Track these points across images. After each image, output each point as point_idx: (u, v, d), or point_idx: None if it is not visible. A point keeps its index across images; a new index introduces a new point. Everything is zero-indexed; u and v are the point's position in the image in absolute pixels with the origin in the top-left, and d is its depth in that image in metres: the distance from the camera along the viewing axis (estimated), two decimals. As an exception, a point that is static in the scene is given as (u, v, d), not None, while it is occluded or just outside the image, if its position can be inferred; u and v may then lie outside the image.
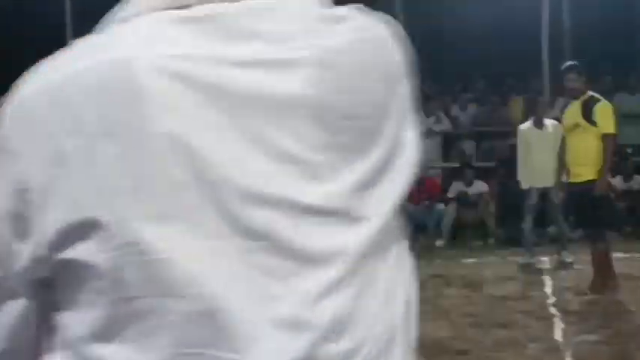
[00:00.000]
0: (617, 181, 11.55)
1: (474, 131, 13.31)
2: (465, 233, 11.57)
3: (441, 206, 11.78)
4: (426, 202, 11.83)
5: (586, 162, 7.24)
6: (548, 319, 6.39)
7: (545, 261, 9.22)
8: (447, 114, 13.32)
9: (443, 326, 6.25)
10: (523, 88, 12.64)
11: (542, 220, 9.57)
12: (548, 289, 7.66)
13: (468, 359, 5.31)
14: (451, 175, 12.67)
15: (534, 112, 8.95)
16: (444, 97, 13.81)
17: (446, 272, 8.76)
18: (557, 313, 6.53)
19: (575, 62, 8.02)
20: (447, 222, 11.50)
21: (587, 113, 7.36)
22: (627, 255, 9.22)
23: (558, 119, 8.63)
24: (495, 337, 5.83)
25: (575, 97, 7.59)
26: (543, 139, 7.69)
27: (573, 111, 7.52)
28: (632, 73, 13.03)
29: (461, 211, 11.58)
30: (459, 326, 6.26)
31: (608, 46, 14.47)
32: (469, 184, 11.72)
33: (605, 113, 7.39)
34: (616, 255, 8.28)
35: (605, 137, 7.27)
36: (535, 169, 8.78)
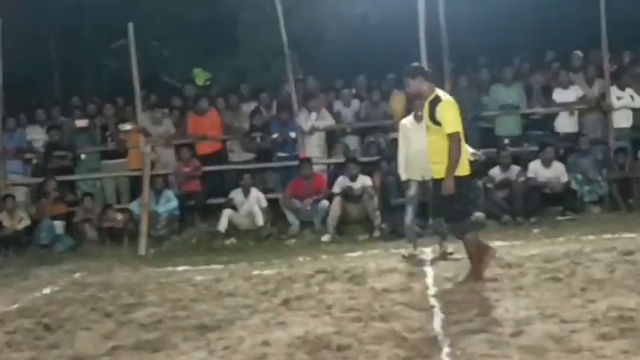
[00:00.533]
0: (496, 172, 11.89)
1: (357, 127, 13.44)
2: (351, 228, 11.67)
3: (325, 203, 11.86)
4: (312, 199, 11.93)
5: (439, 160, 7.29)
6: (428, 310, 6.47)
7: (427, 252, 9.39)
8: (330, 110, 13.39)
9: (326, 322, 6.27)
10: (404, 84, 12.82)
11: (424, 212, 9.75)
12: (429, 280, 7.76)
13: (349, 354, 5.29)
14: (336, 171, 12.79)
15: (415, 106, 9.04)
16: (327, 94, 13.88)
17: (331, 267, 8.79)
18: (437, 304, 6.63)
19: (416, 64, 8.01)
20: (333, 217, 11.59)
21: (432, 114, 7.31)
22: (506, 243, 9.49)
23: None
24: (376, 330, 5.86)
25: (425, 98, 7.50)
26: (423, 133, 7.78)
27: (424, 112, 7.52)
28: (508, 66, 13.40)
29: (346, 206, 11.68)
30: (340, 321, 6.26)
31: (484, 40, 14.88)
32: (354, 178, 11.83)
33: (445, 112, 7.23)
34: (496, 243, 8.51)
35: (449, 137, 7.18)
36: (414, 163, 8.94)
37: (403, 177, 9.27)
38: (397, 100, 12.92)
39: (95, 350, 6.02)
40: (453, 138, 7.16)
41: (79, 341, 6.37)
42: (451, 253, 8.92)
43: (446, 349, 5.26)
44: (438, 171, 7.33)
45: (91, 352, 5.99)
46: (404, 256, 9.22)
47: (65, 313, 7.58)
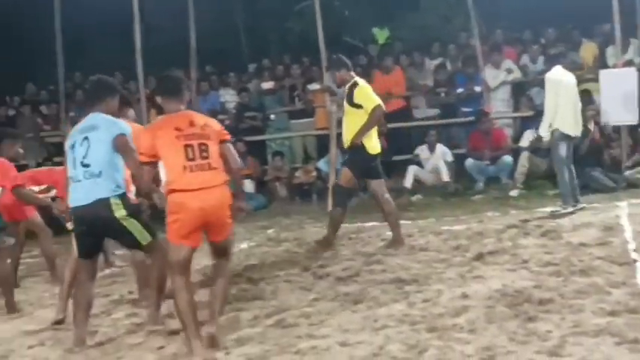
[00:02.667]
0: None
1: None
2: (540, 183, 11.42)
3: (509, 158, 11.75)
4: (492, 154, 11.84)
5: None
6: (630, 264, 6.30)
7: (623, 205, 9.14)
8: (517, 63, 13.10)
9: (524, 276, 6.25)
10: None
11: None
12: (628, 234, 7.51)
13: (552, 308, 5.25)
14: (523, 125, 12.51)
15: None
16: (514, 46, 13.58)
17: (522, 222, 8.70)
18: (639, 258, 6.44)
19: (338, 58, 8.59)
20: (521, 172, 11.41)
21: (350, 98, 8.19)
22: None
23: None
24: (577, 284, 5.77)
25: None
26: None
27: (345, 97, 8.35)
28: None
29: (534, 160, 11.45)
30: (539, 275, 6.21)
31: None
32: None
33: (362, 95, 8.14)
34: None
35: (372, 110, 8.04)
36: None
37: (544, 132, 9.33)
38: (587, 49, 12.46)
39: (297, 302, 6.27)
40: (375, 109, 8.07)
41: (281, 293, 6.68)
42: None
43: (654, 304, 5.12)
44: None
45: (294, 303, 6.24)
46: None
47: (264, 266, 7.95)
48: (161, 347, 5.43)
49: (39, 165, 13.32)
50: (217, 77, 14.68)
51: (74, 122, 5.92)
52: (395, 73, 13.30)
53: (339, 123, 12.99)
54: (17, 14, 15.71)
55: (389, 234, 8.89)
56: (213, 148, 5.16)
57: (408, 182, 12.10)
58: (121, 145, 5.39)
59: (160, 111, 5.55)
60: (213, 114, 13.76)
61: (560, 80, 9.18)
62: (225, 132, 5.39)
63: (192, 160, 5.04)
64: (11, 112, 14.97)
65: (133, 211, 5.51)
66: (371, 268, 7.22)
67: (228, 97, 14.13)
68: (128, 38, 13.22)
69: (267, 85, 14.07)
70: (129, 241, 5.61)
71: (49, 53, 14.13)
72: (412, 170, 12.19)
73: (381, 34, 15.81)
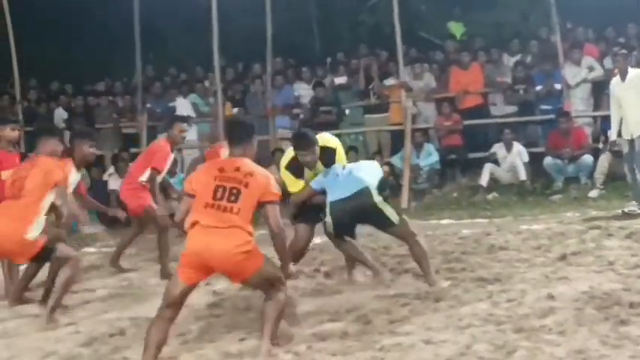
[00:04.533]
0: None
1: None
2: (621, 184, 11.11)
3: (589, 158, 11.57)
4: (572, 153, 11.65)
5: None
6: None
7: None
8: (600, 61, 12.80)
9: (611, 278, 6.09)
10: None
11: None
12: None
13: (641, 312, 5.10)
14: (603, 125, 12.22)
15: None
16: (597, 44, 13.28)
17: (604, 223, 8.50)
18: None
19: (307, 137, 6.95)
20: (601, 172, 11.16)
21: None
22: None
23: None
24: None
25: None
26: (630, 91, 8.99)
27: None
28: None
29: (614, 161, 11.17)
30: (627, 278, 6.04)
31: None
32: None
33: None
34: None
35: None
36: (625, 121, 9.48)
37: (613, 136, 9.55)
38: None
39: (377, 298, 6.19)
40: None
41: (360, 289, 6.62)
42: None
43: None
44: None
45: (374, 299, 6.17)
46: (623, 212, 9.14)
47: (340, 261, 7.90)
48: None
49: (115, 156, 13.57)
50: (292, 71, 14.66)
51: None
52: (472, 70, 13.13)
53: (414, 118, 12.98)
54: (98, 6, 15.95)
55: (465, 232, 8.79)
56: (248, 200, 4.94)
57: (484, 180, 11.94)
58: None
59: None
60: (286, 108, 13.92)
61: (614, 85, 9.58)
62: (274, 192, 5.06)
63: (219, 199, 4.93)
64: (93, 102, 15.22)
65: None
66: (450, 267, 7.12)
67: (303, 91, 14.10)
68: (206, 32, 13.37)
69: (340, 79, 14.03)
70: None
71: (126, 46, 14.37)
72: (488, 168, 12.02)
73: (457, 28, 15.61)
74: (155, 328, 4.86)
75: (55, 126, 12.22)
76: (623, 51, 10.09)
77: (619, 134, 9.51)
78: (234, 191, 4.95)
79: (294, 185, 6.80)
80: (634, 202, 9.27)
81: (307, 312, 5.92)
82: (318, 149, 6.59)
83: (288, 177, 6.80)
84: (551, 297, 5.65)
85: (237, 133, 5.34)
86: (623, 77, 9.43)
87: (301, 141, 6.62)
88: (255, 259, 4.95)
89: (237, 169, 5.04)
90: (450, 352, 4.68)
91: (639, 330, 4.72)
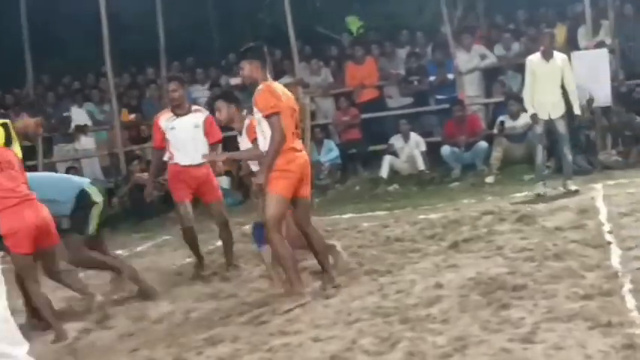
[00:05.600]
0: None
1: (516, 63, 13.02)
2: (515, 168, 11.38)
3: (484, 144, 11.82)
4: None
5: None
6: (604, 246, 6.27)
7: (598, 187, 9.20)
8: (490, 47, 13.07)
9: (498, 263, 6.20)
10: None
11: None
12: (603, 216, 7.49)
13: (525, 294, 5.19)
14: (496, 110, 12.47)
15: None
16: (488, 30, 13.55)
17: (498, 208, 8.66)
18: (614, 240, 6.40)
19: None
20: (496, 157, 11.43)
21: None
22: None
23: None
24: (551, 269, 5.72)
25: None
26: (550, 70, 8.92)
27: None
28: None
29: (509, 146, 11.46)
30: (513, 261, 6.16)
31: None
32: (515, 116, 11.55)
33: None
34: None
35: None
36: (541, 101, 9.35)
37: (530, 111, 9.42)
38: (558, 32, 12.41)
39: (272, 298, 6.19)
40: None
41: (253, 290, 6.62)
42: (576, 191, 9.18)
43: (628, 286, 5.08)
44: None
45: (269, 300, 6.16)
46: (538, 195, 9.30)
47: (238, 262, 7.87)
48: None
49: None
50: (188, 74, 14.48)
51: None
52: (367, 64, 13.23)
53: (313, 115, 12.97)
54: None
55: (365, 225, 8.85)
56: None
57: (384, 172, 12.05)
58: None
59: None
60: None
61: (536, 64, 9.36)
62: None
63: None
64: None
65: None
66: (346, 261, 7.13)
67: (198, 93, 13.94)
68: (98, 37, 13.16)
69: (235, 80, 13.91)
70: None
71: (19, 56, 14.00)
72: (387, 160, 12.14)
73: (354, 23, 15.69)
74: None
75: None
76: (548, 30, 10.16)
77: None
78: None
79: None
80: (540, 183, 9.44)
81: (200, 317, 5.86)
82: None
83: None
84: (439, 285, 5.73)
85: None
86: (547, 58, 9.27)
87: None
88: None
89: None
90: (336, 347, 4.69)
91: (519, 313, 4.81)
